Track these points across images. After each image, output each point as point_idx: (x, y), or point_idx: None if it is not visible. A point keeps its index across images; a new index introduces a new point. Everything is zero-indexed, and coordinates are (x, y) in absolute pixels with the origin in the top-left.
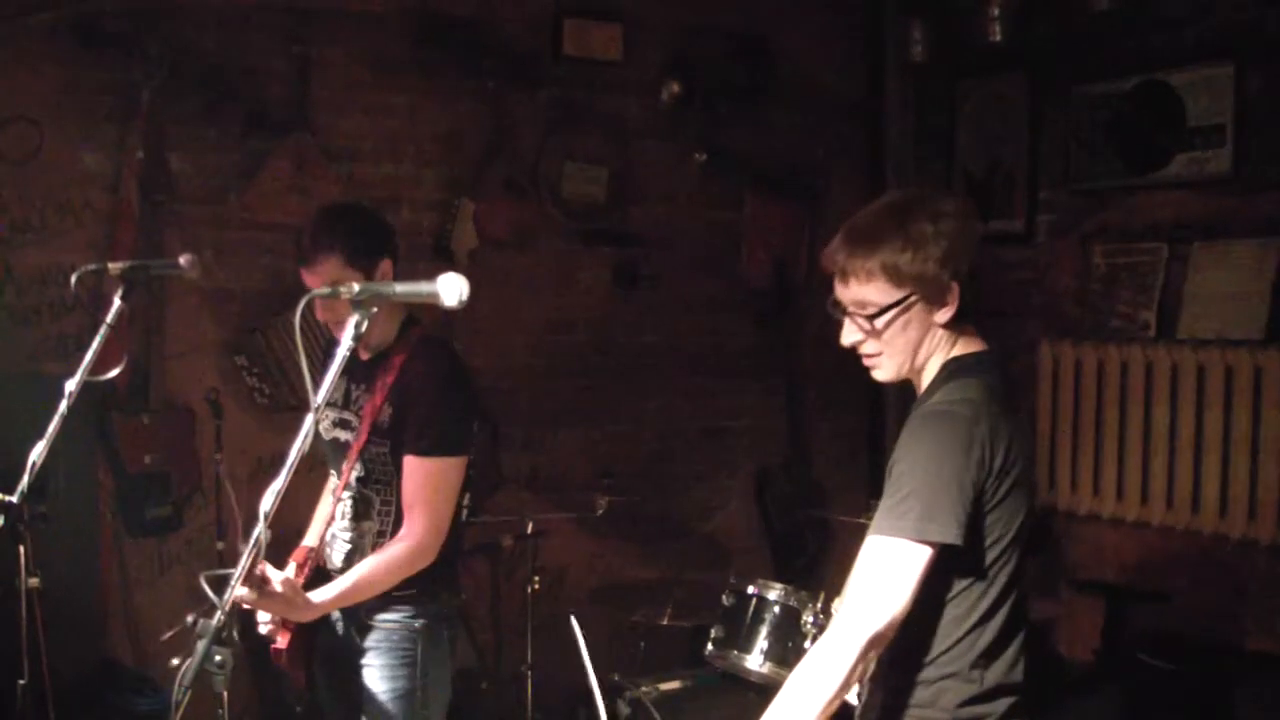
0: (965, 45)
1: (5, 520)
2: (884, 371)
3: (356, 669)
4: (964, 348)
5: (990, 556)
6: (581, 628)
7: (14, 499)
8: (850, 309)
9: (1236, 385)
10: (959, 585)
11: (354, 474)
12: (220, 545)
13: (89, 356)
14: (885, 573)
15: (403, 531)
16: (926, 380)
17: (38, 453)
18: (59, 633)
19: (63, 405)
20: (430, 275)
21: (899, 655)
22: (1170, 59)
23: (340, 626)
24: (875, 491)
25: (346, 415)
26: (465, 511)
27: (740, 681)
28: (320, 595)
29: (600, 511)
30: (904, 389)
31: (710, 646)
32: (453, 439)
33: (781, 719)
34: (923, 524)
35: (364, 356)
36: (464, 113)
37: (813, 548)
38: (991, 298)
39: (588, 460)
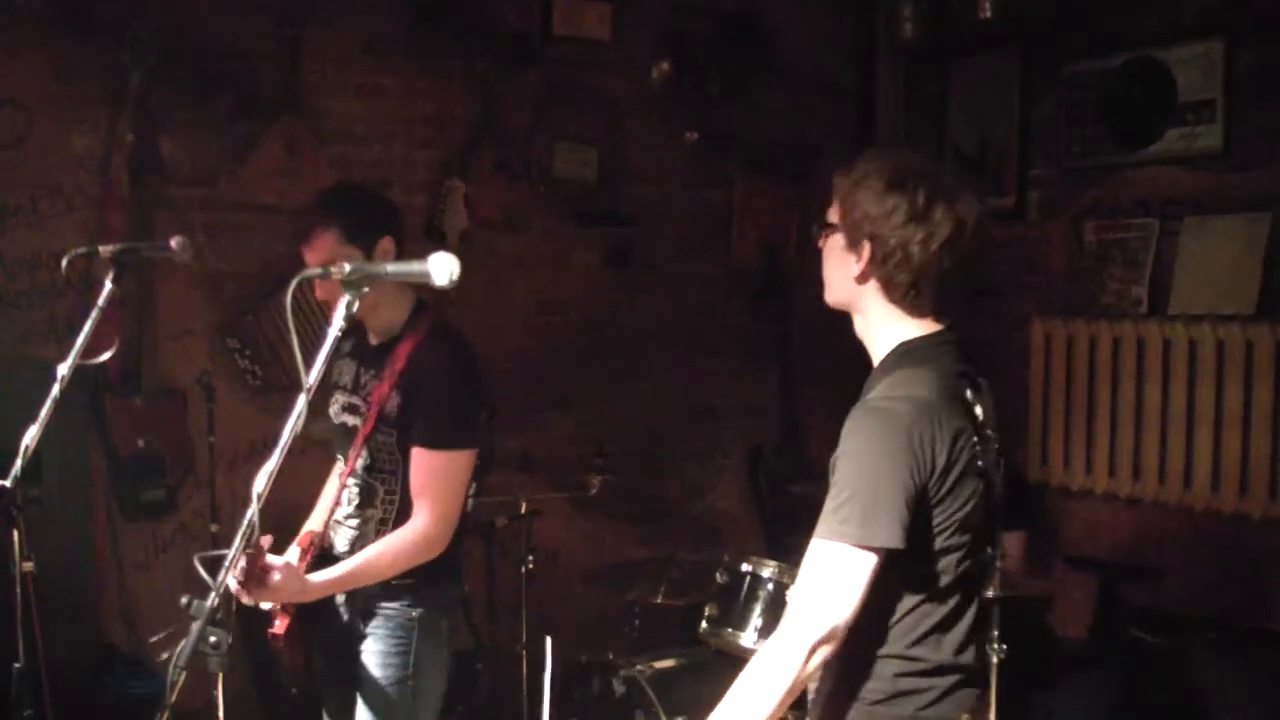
0: (956, 23)
1: None
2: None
3: (355, 654)
4: (919, 329)
5: (933, 546)
6: (576, 606)
7: (7, 483)
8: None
9: (1228, 360)
10: (901, 572)
11: (360, 461)
12: (214, 528)
13: (81, 340)
14: (829, 578)
15: (411, 522)
16: (877, 357)
17: (30, 437)
18: (53, 617)
19: (55, 389)
20: (422, 256)
21: (848, 636)
22: (1161, 35)
23: (343, 611)
24: None
25: (355, 400)
26: (471, 501)
27: (735, 659)
28: (321, 577)
29: (593, 491)
30: None
31: (704, 625)
32: (462, 432)
33: None
34: (865, 529)
35: (373, 341)
36: (455, 94)
37: (806, 526)
38: (982, 275)
39: (580, 440)
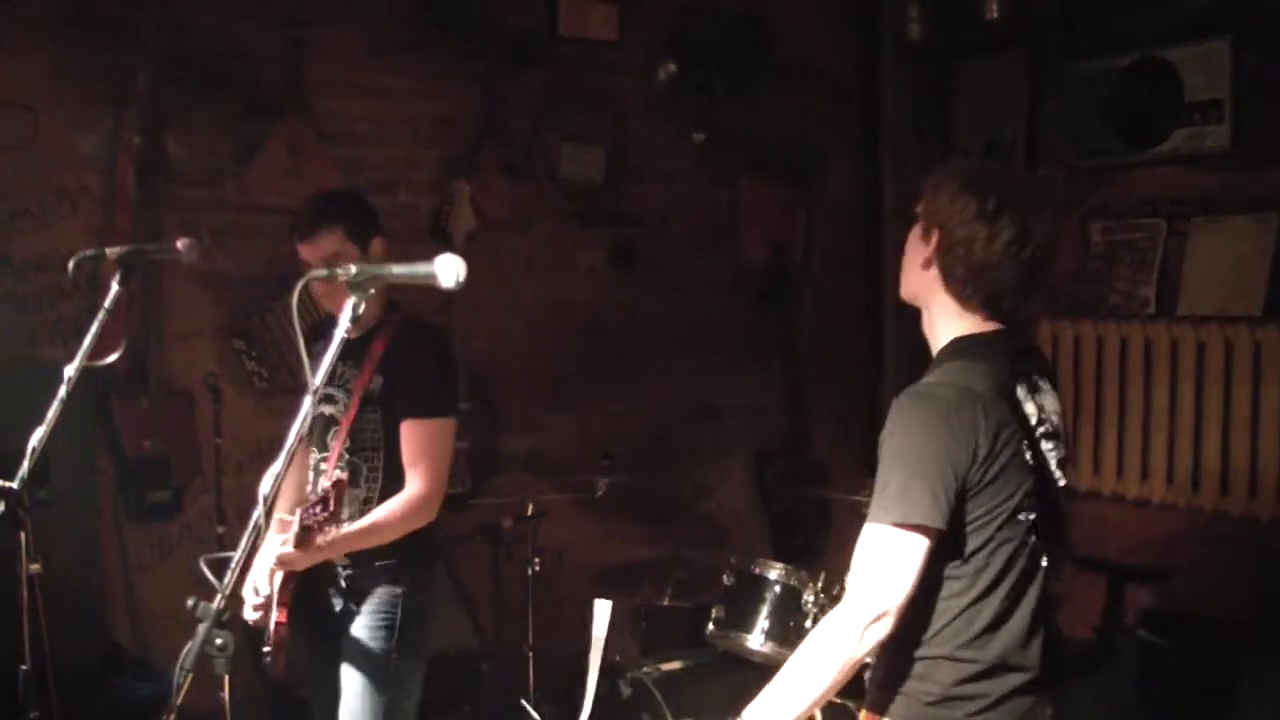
0: (962, 23)
1: (6, 506)
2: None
3: (344, 634)
4: (975, 327)
5: (979, 539)
6: (582, 608)
7: (14, 485)
8: None
9: (1236, 361)
10: (950, 566)
11: (344, 445)
12: (220, 529)
13: (87, 342)
14: (876, 559)
15: (408, 487)
16: (935, 348)
17: (37, 438)
18: (60, 618)
19: (62, 390)
20: (428, 257)
21: (895, 633)
22: (1167, 35)
23: (331, 593)
24: (874, 470)
25: (331, 390)
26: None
27: (742, 661)
28: (329, 537)
29: (600, 492)
30: (902, 369)
31: (711, 626)
32: (446, 401)
33: (776, 702)
34: (904, 508)
35: (351, 335)
36: (460, 94)
37: (812, 527)
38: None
39: (586, 441)
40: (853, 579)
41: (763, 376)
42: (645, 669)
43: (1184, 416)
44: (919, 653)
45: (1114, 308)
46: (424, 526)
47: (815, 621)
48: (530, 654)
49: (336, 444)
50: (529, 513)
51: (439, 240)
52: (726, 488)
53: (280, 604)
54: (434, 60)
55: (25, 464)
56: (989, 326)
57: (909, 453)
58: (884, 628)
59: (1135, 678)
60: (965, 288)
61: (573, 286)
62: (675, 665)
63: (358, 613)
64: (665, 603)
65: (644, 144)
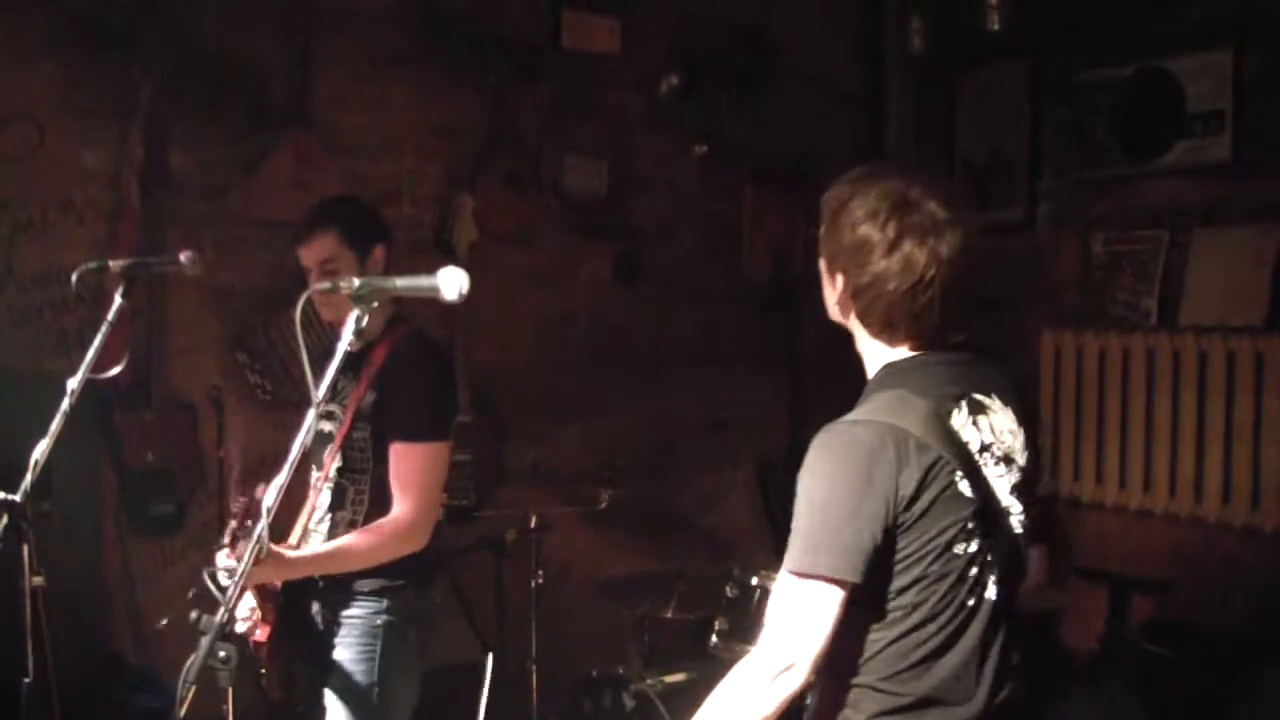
0: (964, 34)
1: (8, 519)
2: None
3: (325, 663)
4: (903, 354)
5: (908, 577)
6: (586, 620)
7: (17, 497)
8: None
9: (1238, 372)
10: (878, 602)
11: (335, 463)
12: (224, 541)
13: (91, 354)
14: (787, 609)
15: (392, 513)
16: (868, 372)
17: (40, 451)
18: (63, 631)
19: (65, 403)
20: (431, 269)
21: (827, 661)
22: (1169, 45)
23: (317, 620)
24: None
25: (331, 407)
26: (443, 511)
27: None
28: (300, 554)
29: (603, 505)
30: None
31: (715, 638)
32: (439, 424)
33: None
34: (813, 558)
35: (353, 348)
36: (465, 107)
37: None
38: (993, 287)
39: (590, 453)
40: (767, 626)
41: (767, 388)
42: (649, 681)
43: (1186, 427)
44: (852, 680)
45: (1116, 318)
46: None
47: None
48: (533, 667)
49: (329, 461)
50: (532, 525)
51: (442, 252)
52: (730, 500)
53: (263, 622)
54: (438, 73)
55: (28, 476)
56: (918, 350)
57: (825, 501)
58: (795, 678)
59: (1139, 689)
60: (885, 326)
61: (576, 298)
62: (679, 677)
63: (341, 639)
64: (669, 614)
65: (647, 156)
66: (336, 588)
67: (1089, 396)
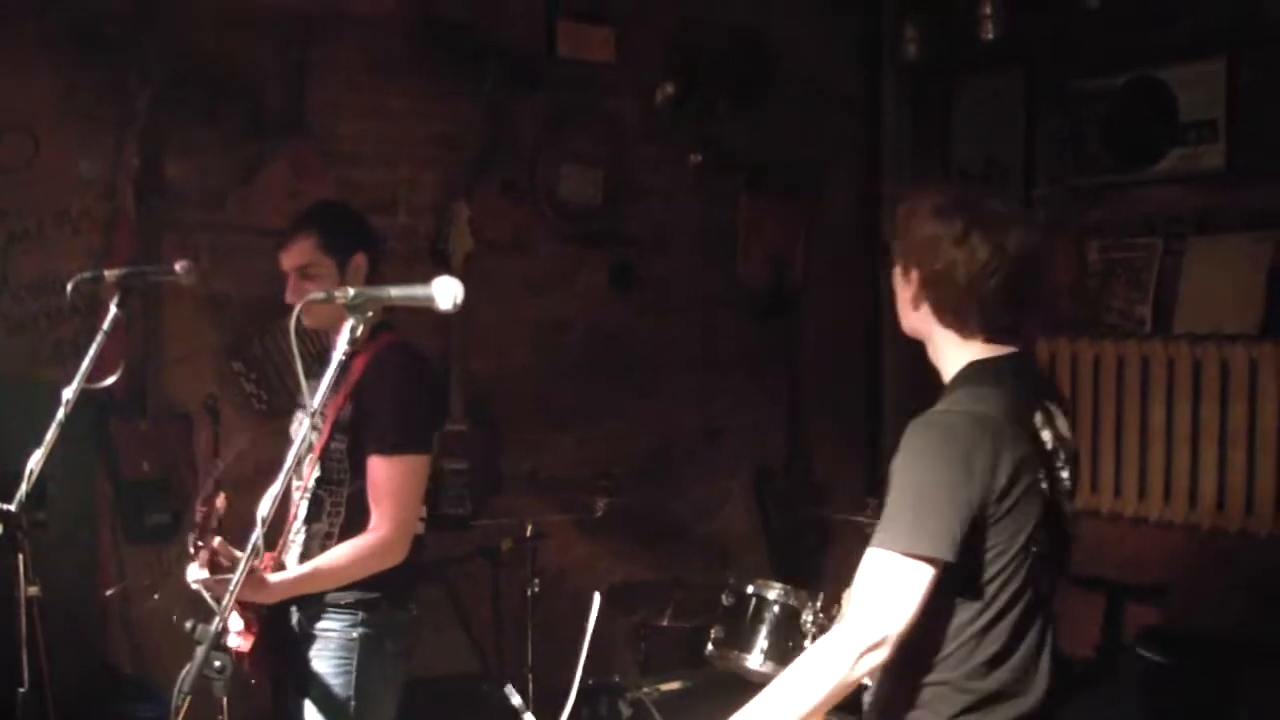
0: (960, 42)
1: (4, 528)
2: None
3: (305, 674)
4: (982, 352)
5: (991, 570)
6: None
7: (12, 507)
8: None
9: (1232, 379)
10: (959, 597)
11: (314, 474)
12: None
13: (86, 363)
14: (878, 586)
15: (370, 528)
16: (947, 375)
17: (35, 460)
18: (58, 640)
19: (60, 412)
20: (427, 278)
21: (899, 658)
22: (1163, 54)
23: (296, 631)
24: (874, 490)
25: (316, 419)
26: (423, 525)
27: (741, 681)
28: (279, 577)
29: (599, 513)
30: (903, 388)
31: (710, 646)
32: (417, 438)
33: (761, 716)
34: (914, 538)
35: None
36: (460, 116)
37: (812, 547)
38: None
39: (586, 462)
40: (856, 602)
41: (763, 395)
42: (645, 689)
43: (1181, 434)
44: (923, 679)
45: (1110, 326)
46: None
47: (815, 641)
48: (530, 675)
49: (308, 472)
50: (528, 533)
51: (438, 261)
52: (726, 508)
53: (246, 632)
54: (435, 82)
55: (23, 486)
56: (996, 350)
57: (922, 484)
58: (880, 655)
59: (1135, 695)
60: (958, 316)
61: (572, 307)
62: (674, 685)
63: (318, 651)
64: (665, 623)
65: (644, 164)
66: (313, 601)
67: (1084, 404)
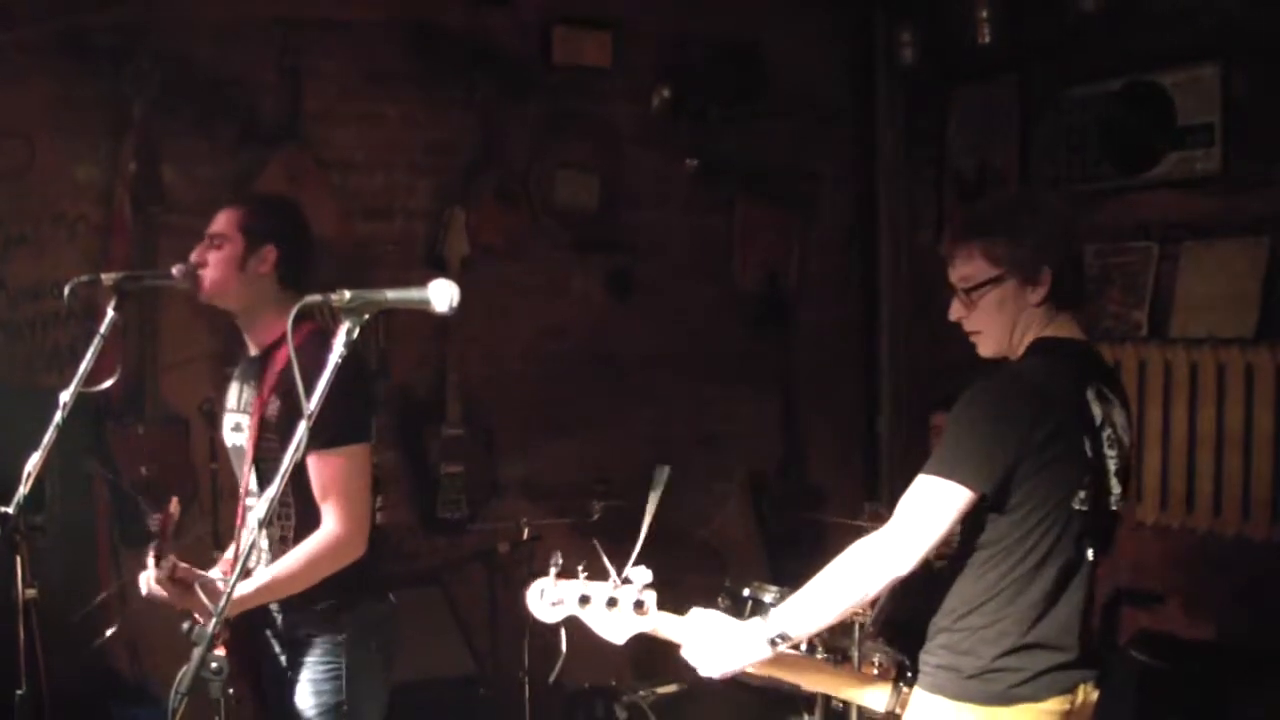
0: (955, 48)
1: (2, 532)
2: (984, 347)
3: (289, 685)
4: (1055, 331)
5: (1031, 521)
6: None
7: (9, 510)
8: (956, 286)
9: (1228, 383)
10: (1000, 541)
11: (252, 478)
12: (217, 555)
13: (83, 368)
14: (917, 504)
15: (322, 527)
16: (1017, 355)
17: (33, 464)
18: (56, 644)
19: (57, 417)
20: (422, 284)
21: (945, 602)
22: (1158, 59)
23: (275, 645)
24: (871, 494)
25: (239, 418)
26: (378, 514)
27: (737, 684)
28: (238, 592)
29: (595, 517)
30: (901, 393)
31: None
32: (353, 427)
33: (800, 606)
34: (952, 466)
35: (252, 353)
36: (456, 122)
37: (808, 551)
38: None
39: (582, 466)
40: (895, 517)
41: (759, 401)
42: (641, 692)
43: (1177, 439)
44: (961, 624)
45: (1107, 330)
46: (362, 558)
47: (809, 644)
48: (526, 679)
49: (245, 474)
50: (524, 537)
51: (434, 267)
52: (723, 512)
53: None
54: (430, 89)
55: (21, 489)
56: (1067, 332)
57: (971, 423)
58: (906, 565)
59: (1130, 700)
60: (1070, 296)
61: (568, 313)
62: (671, 688)
63: (301, 664)
64: None
65: (639, 170)
66: (293, 607)
67: None
